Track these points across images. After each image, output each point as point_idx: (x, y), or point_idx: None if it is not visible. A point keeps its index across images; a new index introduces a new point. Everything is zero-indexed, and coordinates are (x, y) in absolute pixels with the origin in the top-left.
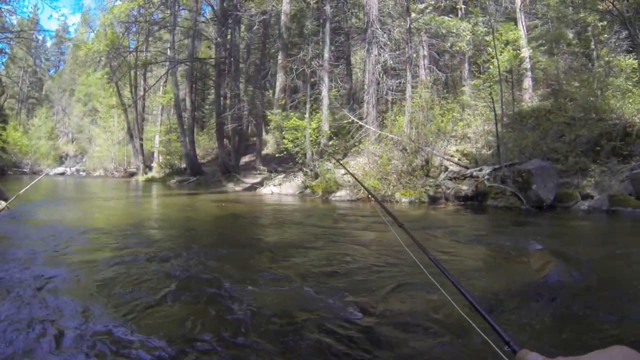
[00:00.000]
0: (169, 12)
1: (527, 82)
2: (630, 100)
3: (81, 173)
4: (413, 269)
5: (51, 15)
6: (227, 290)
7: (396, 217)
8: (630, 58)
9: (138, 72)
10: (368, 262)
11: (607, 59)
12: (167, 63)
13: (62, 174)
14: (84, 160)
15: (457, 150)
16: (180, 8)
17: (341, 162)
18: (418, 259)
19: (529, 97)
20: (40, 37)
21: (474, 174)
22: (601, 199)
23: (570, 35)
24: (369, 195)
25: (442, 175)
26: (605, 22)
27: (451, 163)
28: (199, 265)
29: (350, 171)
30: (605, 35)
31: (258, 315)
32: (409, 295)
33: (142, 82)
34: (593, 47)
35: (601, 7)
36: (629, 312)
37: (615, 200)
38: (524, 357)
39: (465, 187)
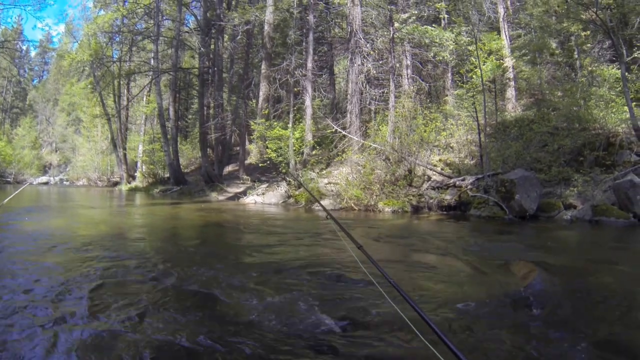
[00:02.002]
0: (152, 22)
1: (510, 92)
2: (614, 110)
3: (65, 182)
4: (388, 288)
5: (35, 26)
6: (207, 296)
7: (355, 239)
8: (613, 68)
9: (122, 82)
10: (341, 276)
11: (590, 68)
12: (151, 73)
13: (46, 183)
14: (67, 169)
15: (440, 160)
16: (164, 18)
17: (303, 182)
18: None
19: (512, 107)
20: (24, 47)
21: (457, 183)
22: (584, 209)
23: (554, 45)
24: (353, 204)
25: (425, 185)
26: (588, 32)
27: (434, 173)
28: (180, 272)
29: (310, 191)
30: (589, 45)
31: (232, 321)
32: (372, 318)
33: (125, 91)
34: (576, 56)
35: (584, 17)
36: (611, 323)
37: (599, 210)
38: None
39: (448, 197)
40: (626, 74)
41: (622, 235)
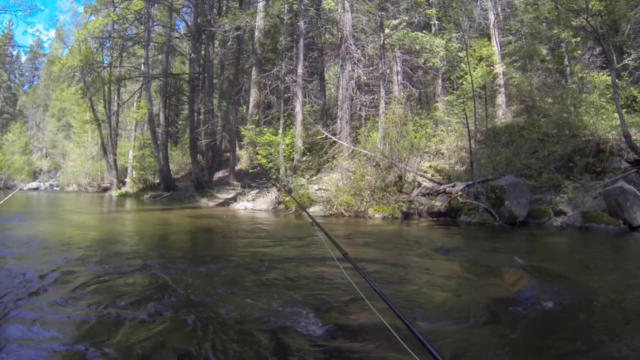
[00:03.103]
0: (143, 27)
1: (501, 98)
2: (604, 117)
3: (55, 188)
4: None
5: (26, 31)
6: (197, 301)
7: (340, 247)
8: (603, 74)
9: (112, 88)
10: (326, 282)
11: (580, 75)
12: (141, 78)
13: (36, 189)
14: (57, 175)
15: (430, 166)
16: (154, 24)
17: (292, 189)
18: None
19: (503, 113)
20: (14, 53)
21: (447, 190)
22: (574, 216)
23: (544, 52)
24: (343, 210)
25: (416, 191)
26: (579, 39)
27: (424, 179)
28: (169, 278)
29: (297, 199)
30: (579, 52)
31: (224, 325)
32: (355, 324)
33: (116, 97)
34: (567, 63)
35: (575, 24)
36: (601, 329)
37: (589, 216)
38: None
39: (438, 203)
40: (616, 80)
41: (612, 242)
